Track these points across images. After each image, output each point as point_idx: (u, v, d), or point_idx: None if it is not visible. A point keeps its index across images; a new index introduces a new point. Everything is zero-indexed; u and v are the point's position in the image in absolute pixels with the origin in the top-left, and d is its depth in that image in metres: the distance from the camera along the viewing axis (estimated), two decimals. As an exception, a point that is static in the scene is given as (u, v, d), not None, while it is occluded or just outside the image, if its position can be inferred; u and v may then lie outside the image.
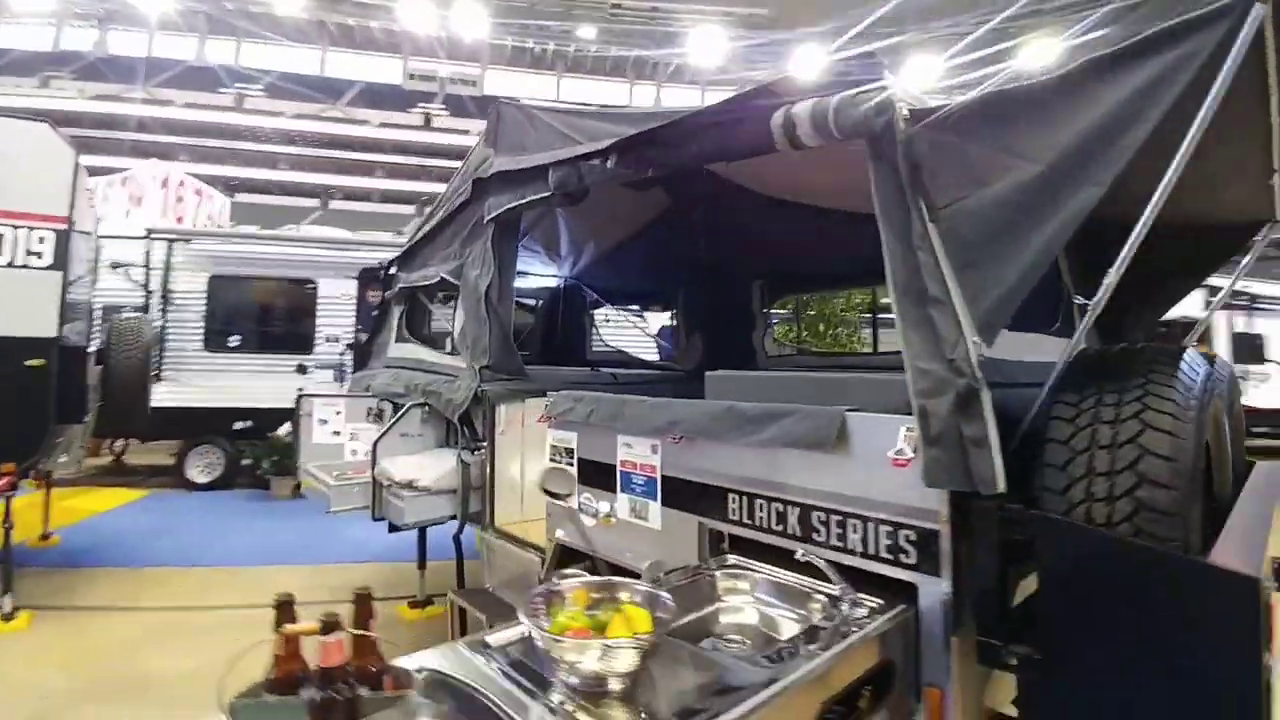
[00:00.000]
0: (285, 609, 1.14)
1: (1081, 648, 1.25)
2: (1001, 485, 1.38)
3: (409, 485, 3.15)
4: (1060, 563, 1.32)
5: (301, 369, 7.63)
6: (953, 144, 1.58)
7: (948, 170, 1.58)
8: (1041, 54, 18.05)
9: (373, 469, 3.37)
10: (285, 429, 6.07)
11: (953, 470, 1.41)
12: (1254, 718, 1.05)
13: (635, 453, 2.26)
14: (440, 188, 4.55)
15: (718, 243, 4.38)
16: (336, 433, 4.33)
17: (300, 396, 4.45)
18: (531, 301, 5.61)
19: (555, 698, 1.12)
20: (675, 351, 5.00)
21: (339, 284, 7.65)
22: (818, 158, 2.02)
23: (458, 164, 3.92)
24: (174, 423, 7.12)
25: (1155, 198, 1.38)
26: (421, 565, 4.20)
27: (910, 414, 1.49)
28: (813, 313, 7.24)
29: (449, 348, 4.05)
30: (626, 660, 1.14)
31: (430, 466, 3.20)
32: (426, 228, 4.18)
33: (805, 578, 1.64)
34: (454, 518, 3.25)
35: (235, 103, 27.27)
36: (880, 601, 1.50)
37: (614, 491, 2.35)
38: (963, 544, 1.43)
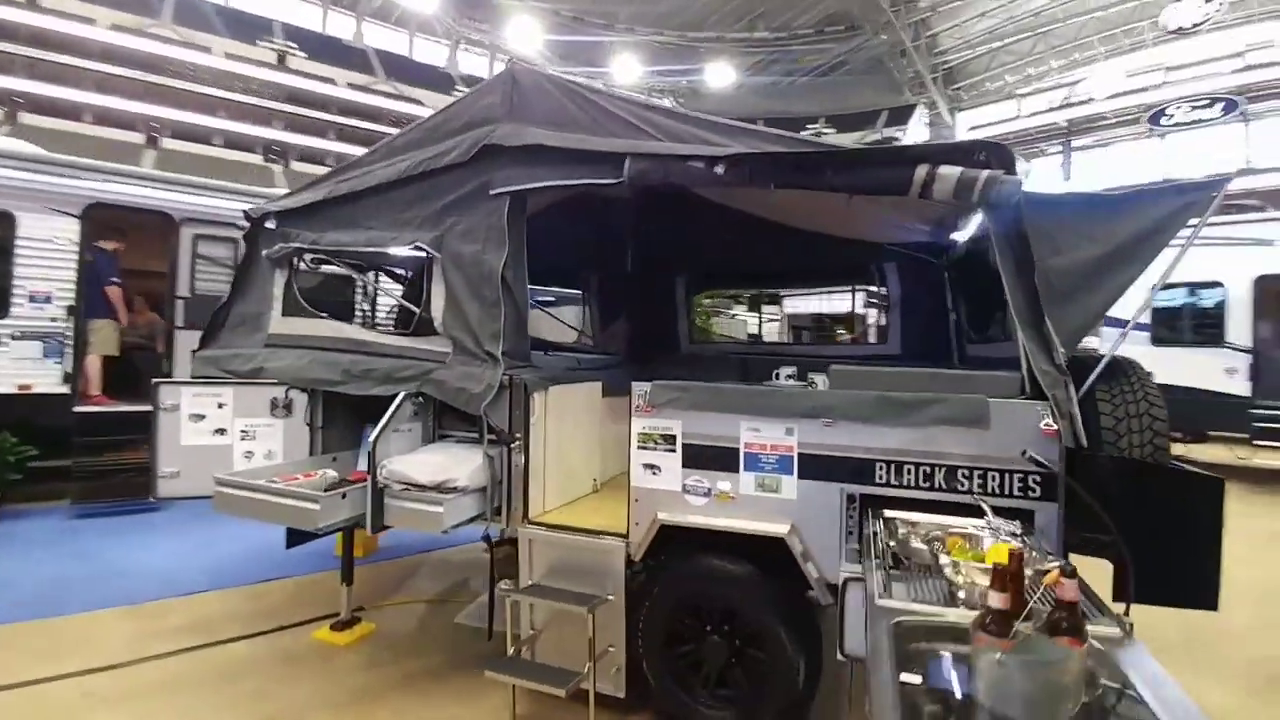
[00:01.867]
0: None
1: (1134, 529, 2.28)
2: (1085, 441, 2.36)
3: (440, 487, 2.92)
4: (1114, 482, 2.35)
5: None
6: (1048, 225, 2.49)
7: (1044, 240, 2.48)
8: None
9: (372, 472, 2.98)
10: None
11: (1067, 434, 2.33)
12: (1216, 538, 2.18)
13: (764, 435, 2.70)
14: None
15: (646, 235, 4.79)
16: (220, 431, 3.50)
17: (158, 384, 3.46)
18: (400, 271, 5.13)
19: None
20: (593, 336, 5.18)
21: (50, 222, 5.49)
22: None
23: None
24: None
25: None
26: (348, 579, 3.75)
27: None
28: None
29: (390, 327, 3.65)
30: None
31: (459, 464, 3.00)
32: (354, 183, 3.63)
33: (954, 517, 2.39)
34: (481, 517, 3.11)
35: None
36: (1017, 522, 2.34)
37: (733, 471, 2.75)
38: (1066, 480, 2.36)
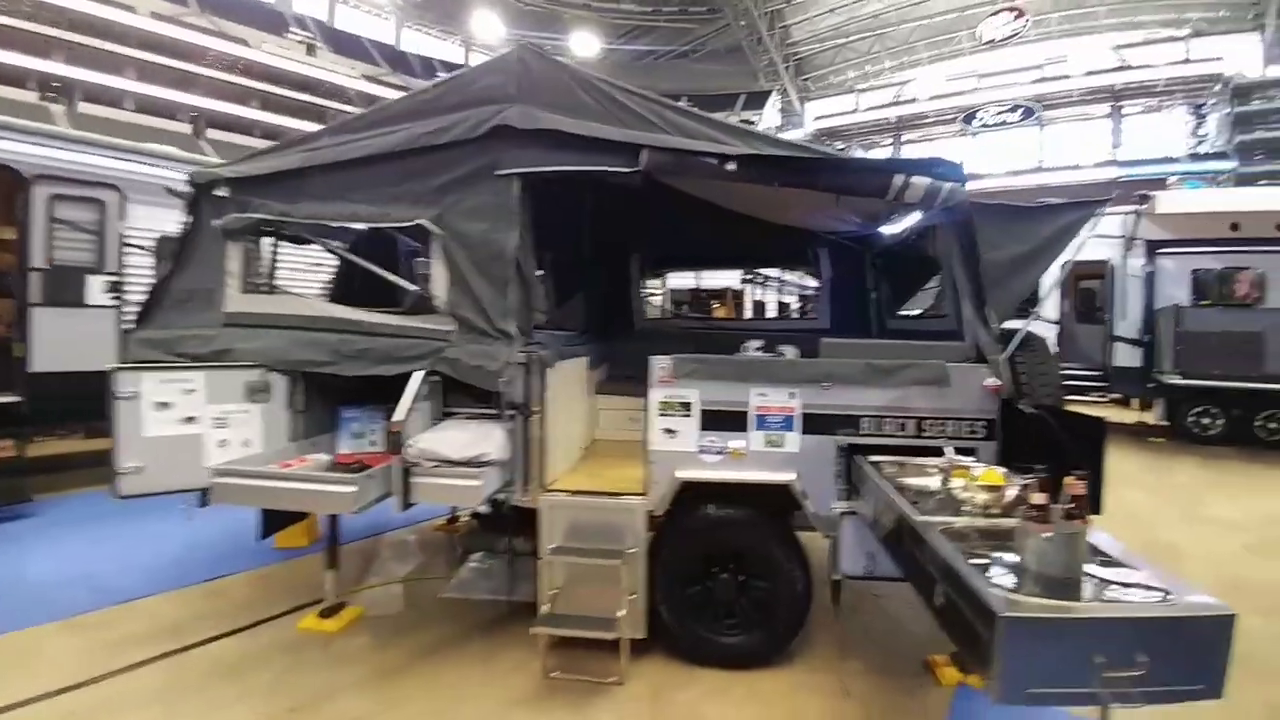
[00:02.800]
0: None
1: (1042, 451, 3.10)
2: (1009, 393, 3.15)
3: (472, 462, 3.09)
4: (1029, 422, 3.15)
5: None
6: (986, 227, 3.22)
7: (983, 239, 3.22)
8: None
9: (400, 451, 3.07)
10: None
11: (1006, 386, 3.09)
12: (1100, 461, 3.05)
13: (771, 399, 3.22)
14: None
15: (602, 217, 5.08)
16: (189, 419, 3.34)
17: (114, 370, 3.22)
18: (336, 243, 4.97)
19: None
20: (548, 313, 5.32)
21: None
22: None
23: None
24: None
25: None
26: (333, 563, 3.76)
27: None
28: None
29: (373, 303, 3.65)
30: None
31: (485, 438, 3.18)
32: (334, 153, 3.56)
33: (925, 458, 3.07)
34: (507, 486, 3.32)
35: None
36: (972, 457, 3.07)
37: (743, 431, 3.24)
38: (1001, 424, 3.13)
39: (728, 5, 40.69)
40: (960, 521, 2.32)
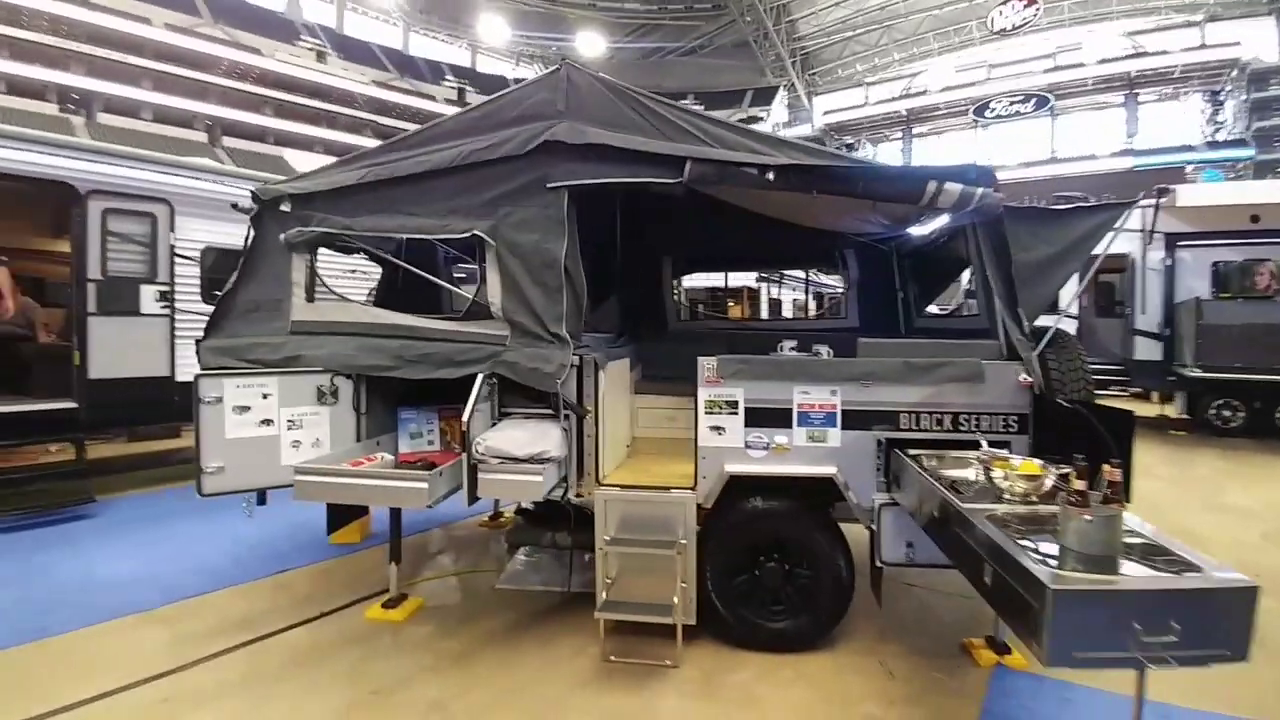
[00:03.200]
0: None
1: (1074, 443, 3.29)
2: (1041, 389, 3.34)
3: (534, 459, 3.32)
4: (1063, 416, 3.34)
5: None
6: (1016, 230, 3.41)
7: (1014, 241, 3.40)
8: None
9: (468, 448, 3.30)
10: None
11: (1037, 386, 3.28)
12: (1130, 452, 3.22)
13: (813, 397, 3.43)
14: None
15: (635, 222, 5.30)
16: (266, 422, 3.60)
17: (199, 377, 3.47)
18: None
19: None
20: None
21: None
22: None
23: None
24: None
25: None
26: (396, 558, 4.00)
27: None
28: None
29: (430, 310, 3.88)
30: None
31: (544, 436, 3.40)
32: (391, 168, 3.80)
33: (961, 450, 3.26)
34: (563, 481, 3.55)
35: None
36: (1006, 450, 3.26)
37: (787, 427, 3.45)
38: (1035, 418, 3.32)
39: (733, 1, 40.77)
40: (1001, 508, 2.52)
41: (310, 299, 3.97)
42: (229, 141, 29.19)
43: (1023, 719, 2.99)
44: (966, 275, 4.84)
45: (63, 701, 3.03)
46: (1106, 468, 2.11)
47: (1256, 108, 34.10)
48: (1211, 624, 1.85)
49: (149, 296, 6.11)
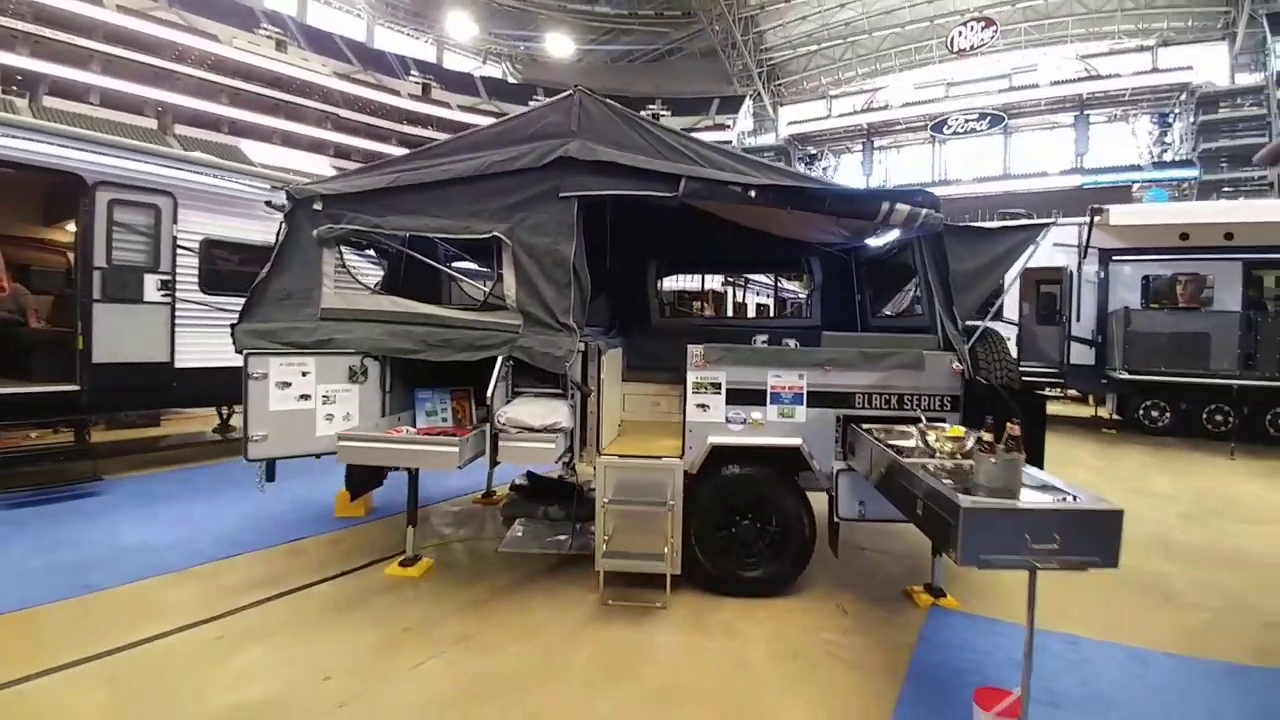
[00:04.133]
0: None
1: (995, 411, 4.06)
2: (970, 375, 4.11)
3: (548, 430, 3.93)
4: (984, 393, 4.11)
5: None
6: (953, 244, 4.18)
7: (951, 254, 4.18)
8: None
9: (491, 420, 3.89)
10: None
11: (968, 370, 4.05)
12: (1043, 428, 4.02)
13: (784, 380, 4.12)
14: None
15: (624, 229, 5.95)
16: (304, 396, 4.12)
17: (249, 355, 3.98)
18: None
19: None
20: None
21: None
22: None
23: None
24: None
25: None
26: (413, 521, 4.54)
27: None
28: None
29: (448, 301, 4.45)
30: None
31: (556, 410, 4.02)
32: (419, 175, 4.36)
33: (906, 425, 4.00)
34: (569, 450, 4.16)
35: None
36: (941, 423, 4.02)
37: (761, 405, 4.14)
38: (965, 398, 4.09)
39: (703, 10, 41.90)
40: (933, 463, 3.25)
41: (345, 287, 4.49)
42: (181, 129, 28.84)
43: (953, 642, 3.72)
44: (914, 282, 5.64)
45: (128, 640, 3.50)
46: (1009, 424, 2.84)
47: (1204, 130, 36.52)
48: (1086, 538, 2.57)
49: (152, 285, 6.47)
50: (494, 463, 3.96)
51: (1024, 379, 10.97)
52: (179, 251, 6.66)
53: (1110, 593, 4.38)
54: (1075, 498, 2.72)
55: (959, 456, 3.31)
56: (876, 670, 3.40)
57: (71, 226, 7.71)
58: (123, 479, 6.53)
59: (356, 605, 4.01)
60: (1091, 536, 2.55)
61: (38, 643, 3.46)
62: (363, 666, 3.31)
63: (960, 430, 3.41)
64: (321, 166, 33.30)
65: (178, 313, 6.67)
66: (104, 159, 6.24)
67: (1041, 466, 3.85)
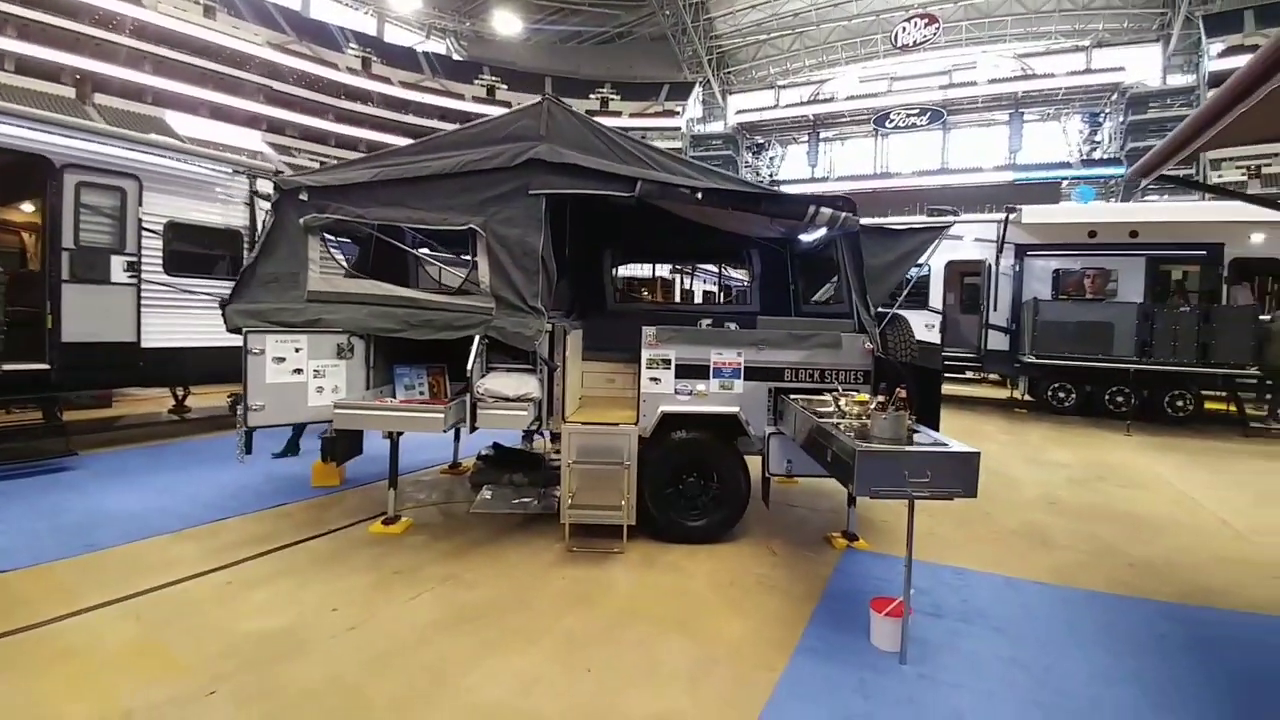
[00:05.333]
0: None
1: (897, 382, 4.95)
2: (880, 353, 4.99)
3: (521, 399, 4.59)
4: (889, 368, 5.00)
5: None
6: (867, 242, 5.04)
7: (865, 251, 5.03)
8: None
9: (470, 390, 4.52)
10: None
11: (878, 349, 4.92)
12: (938, 397, 4.93)
13: (725, 357, 4.90)
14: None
15: (583, 217, 6.61)
16: (297, 371, 4.66)
17: (248, 333, 4.49)
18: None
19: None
20: None
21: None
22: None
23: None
24: None
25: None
26: (394, 484, 5.14)
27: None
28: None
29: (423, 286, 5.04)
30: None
31: (527, 383, 4.68)
32: (400, 170, 4.92)
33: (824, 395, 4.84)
34: (538, 419, 4.84)
35: None
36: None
37: (706, 379, 4.91)
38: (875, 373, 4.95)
39: (654, -7, 42.38)
40: (844, 422, 4.08)
41: (330, 272, 5.01)
42: (101, 99, 27.68)
43: (861, 573, 4.59)
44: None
45: (144, 587, 4.01)
46: (899, 389, 3.68)
47: (1133, 129, 38.90)
48: (951, 474, 3.38)
49: (118, 266, 6.76)
50: (473, 428, 4.59)
51: (945, 362, 12.24)
52: (144, 234, 6.95)
53: (998, 539, 5.35)
54: (945, 445, 3.57)
55: (864, 417, 4.14)
56: (798, 594, 4.23)
57: (28, 207, 7.86)
58: (95, 455, 6.83)
59: (348, 554, 4.60)
60: (955, 473, 3.36)
61: (62, 590, 3.94)
62: (364, 601, 3.93)
63: (865, 396, 4.26)
64: (254, 142, 32.41)
65: (143, 294, 6.97)
66: (71, 141, 6.48)
67: (936, 428, 4.73)
